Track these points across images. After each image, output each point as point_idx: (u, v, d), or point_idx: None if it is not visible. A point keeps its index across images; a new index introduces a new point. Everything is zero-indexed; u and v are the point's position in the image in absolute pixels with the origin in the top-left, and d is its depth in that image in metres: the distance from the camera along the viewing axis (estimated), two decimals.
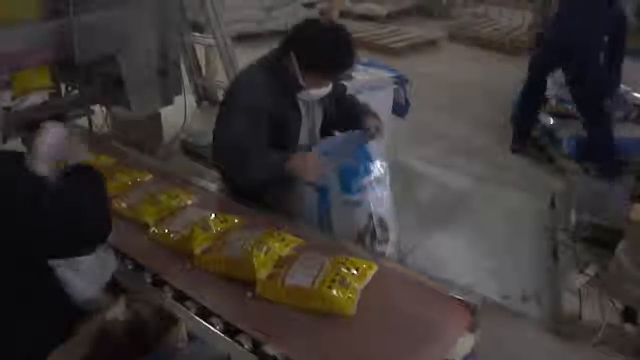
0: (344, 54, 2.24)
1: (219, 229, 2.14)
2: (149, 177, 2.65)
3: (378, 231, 2.52)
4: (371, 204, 2.47)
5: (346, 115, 2.57)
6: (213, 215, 2.23)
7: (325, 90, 2.33)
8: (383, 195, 2.52)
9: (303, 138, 2.47)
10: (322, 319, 1.76)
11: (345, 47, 2.23)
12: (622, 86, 4.95)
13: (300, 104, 2.40)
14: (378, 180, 2.50)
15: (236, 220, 2.23)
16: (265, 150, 2.27)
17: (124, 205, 2.37)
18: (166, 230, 2.17)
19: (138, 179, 2.62)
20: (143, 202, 2.36)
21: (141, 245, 2.16)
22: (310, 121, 2.49)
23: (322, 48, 2.19)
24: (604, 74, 4.28)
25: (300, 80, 2.24)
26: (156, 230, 2.19)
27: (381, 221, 2.55)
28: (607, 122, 4.19)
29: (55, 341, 1.54)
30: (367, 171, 2.45)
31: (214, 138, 2.37)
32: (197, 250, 2.03)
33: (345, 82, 2.93)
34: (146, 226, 2.23)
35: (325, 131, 2.61)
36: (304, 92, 2.31)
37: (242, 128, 2.24)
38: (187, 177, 2.79)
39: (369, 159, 2.47)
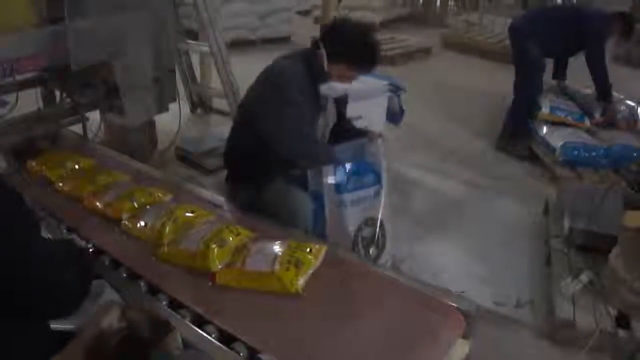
0: (370, 48, 2.42)
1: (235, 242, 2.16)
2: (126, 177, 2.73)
3: (370, 232, 2.53)
4: (367, 207, 2.49)
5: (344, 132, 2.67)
6: (227, 228, 2.22)
7: (346, 86, 2.48)
8: (379, 198, 2.54)
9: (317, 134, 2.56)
10: (316, 329, 1.77)
11: (371, 43, 2.42)
12: (615, 94, 4.99)
13: (322, 101, 2.56)
14: (374, 183, 2.51)
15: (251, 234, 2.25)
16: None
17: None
18: (180, 247, 2.15)
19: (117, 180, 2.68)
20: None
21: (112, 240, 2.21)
22: (323, 123, 2.59)
23: (350, 39, 2.40)
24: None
25: (326, 68, 2.40)
26: (167, 249, 2.18)
27: (379, 224, 2.57)
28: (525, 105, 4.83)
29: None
30: (364, 174, 2.46)
31: (267, 133, 2.43)
32: (216, 267, 2.03)
33: None
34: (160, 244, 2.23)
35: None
36: (327, 84, 2.44)
37: (297, 119, 2.38)
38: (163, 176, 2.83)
39: (366, 163, 2.49)
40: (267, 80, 2.49)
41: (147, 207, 2.41)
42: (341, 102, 2.68)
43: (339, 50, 2.39)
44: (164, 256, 2.12)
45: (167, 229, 2.20)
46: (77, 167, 2.85)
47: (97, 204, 2.45)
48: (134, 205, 2.41)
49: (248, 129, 2.49)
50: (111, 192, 2.52)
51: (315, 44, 2.46)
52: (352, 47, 2.39)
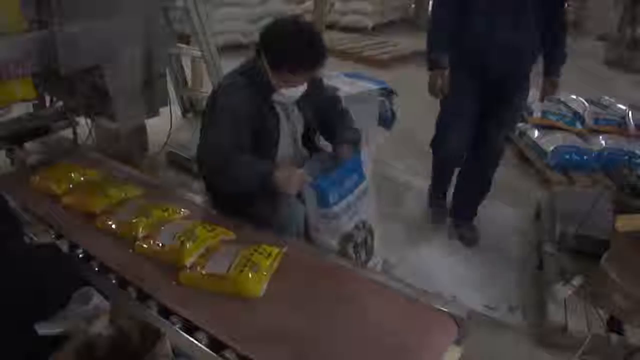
0: (309, 49, 2.24)
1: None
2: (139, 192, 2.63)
3: (360, 236, 2.51)
4: (355, 211, 2.47)
5: (329, 128, 2.58)
6: (200, 226, 2.20)
7: (297, 90, 2.33)
8: (366, 204, 2.52)
9: (285, 146, 2.46)
10: (307, 335, 1.76)
11: (310, 43, 2.24)
12: (605, 97, 5.02)
13: (279, 111, 2.41)
14: (358, 183, 2.50)
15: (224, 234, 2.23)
16: (249, 159, 2.26)
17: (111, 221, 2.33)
18: (152, 242, 2.14)
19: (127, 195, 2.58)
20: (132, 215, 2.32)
21: (126, 260, 2.14)
22: (291, 129, 2.48)
23: (285, 43, 2.23)
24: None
25: (270, 78, 2.27)
26: (143, 244, 2.15)
27: (368, 228, 2.55)
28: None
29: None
30: (346, 179, 2.45)
31: (198, 145, 2.38)
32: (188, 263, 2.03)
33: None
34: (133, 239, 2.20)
35: (309, 140, 2.61)
36: (278, 93, 2.31)
37: (225, 133, 2.26)
38: (173, 189, 2.77)
39: (350, 170, 2.47)
40: (207, 104, 2.46)
41: (163, 226, 2.26)
42: (328, 105, 2.58)
43: (276, 58, 2.25)
44: (187, 280, 2.02)
45: (188, 247, 2.08)
46: (82, 179, 2.75)
47: (109, 222, 2.34)
48: (149, 222, 2.30)
49: None
50: (123, 209, 2.41)
51: (257, 50, 2.34)
52: (289, 50, 2.23)
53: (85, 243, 2.23)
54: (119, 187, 2.63)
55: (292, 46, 2.22)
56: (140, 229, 2.25)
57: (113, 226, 2.31)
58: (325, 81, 2.67)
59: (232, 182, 2.27)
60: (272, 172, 2.20)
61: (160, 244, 2.13)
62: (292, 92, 2.32)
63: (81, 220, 2.42)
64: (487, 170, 3.35)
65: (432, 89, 3.15)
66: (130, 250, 2.18)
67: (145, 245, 2.17)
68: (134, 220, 2.29)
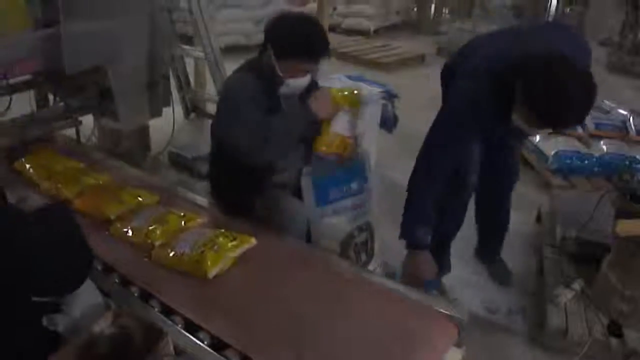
0: (314, 37, 2.31)
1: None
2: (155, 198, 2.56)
3: (362, 238, 2.52)
4: (357, 214, 2.48)
5: None
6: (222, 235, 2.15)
7: (304, 80, 2.35)
8: (367, 206, 2.53)
9: None
10: (307, 332, 1.76)
11: (315, 32, 2.32)
12: (607, 102, 5.01)
13: (284, 105, 2.41)
14: (360, 189, 2.50)
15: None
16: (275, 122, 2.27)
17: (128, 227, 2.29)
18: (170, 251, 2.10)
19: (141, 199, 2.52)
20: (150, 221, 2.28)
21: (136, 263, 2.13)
22: None
23: (292, 33, 2.30)
24: None
25: (277, 70, 2.28)
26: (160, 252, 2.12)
27: (369, 230, 2.55)
28: None
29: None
30: (347, 182, 2.45)
31: (210, 157, 2.40)
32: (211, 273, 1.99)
33: None
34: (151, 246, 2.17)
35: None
36: (284, 85, 2.32)
37: (249, 119, 2.24)
38: (186, 193, 2.74)
39: (353, 172, 2.47)
40: (220, 100, 2.49)
41: (180, 234, 2.20)
42: None
43: (283, 47, 2.27)
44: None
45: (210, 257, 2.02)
46: (94, 182, 2.67)
47: (124, 229, 2.28)
48: (166, 230, 2.24)
49: (223, 155, 2.41)
50: (138, 216, 2.35)
51: (262, 46, 2.37)
52: (295, 39, 2.27)
53: (99, 251, 2.04)
54: (132, 192, 2.55)
55: (298, 35, 2.28)
56: (157, 237, 2.20)
57: (129, 233, 2.26)
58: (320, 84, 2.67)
59: (276, 152, 2.32)
60: (300, 113, 2.30)
61: (180, 253, 2.07)
62: (298, 83, 2.34)
63: (94, 226, 2.30)
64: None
65: (416, 277, 2.40)
66: (146, 259, 2.14)
67: (162, 254, 2.11)
68: (150, 228, 2.23)
